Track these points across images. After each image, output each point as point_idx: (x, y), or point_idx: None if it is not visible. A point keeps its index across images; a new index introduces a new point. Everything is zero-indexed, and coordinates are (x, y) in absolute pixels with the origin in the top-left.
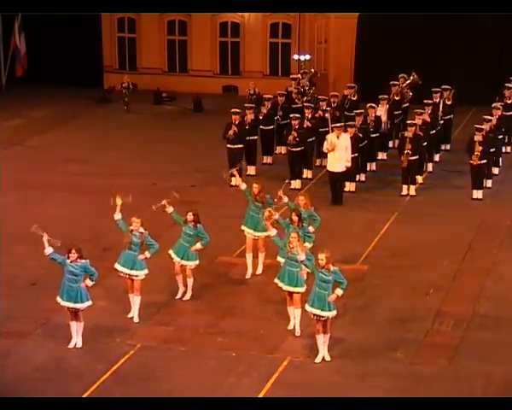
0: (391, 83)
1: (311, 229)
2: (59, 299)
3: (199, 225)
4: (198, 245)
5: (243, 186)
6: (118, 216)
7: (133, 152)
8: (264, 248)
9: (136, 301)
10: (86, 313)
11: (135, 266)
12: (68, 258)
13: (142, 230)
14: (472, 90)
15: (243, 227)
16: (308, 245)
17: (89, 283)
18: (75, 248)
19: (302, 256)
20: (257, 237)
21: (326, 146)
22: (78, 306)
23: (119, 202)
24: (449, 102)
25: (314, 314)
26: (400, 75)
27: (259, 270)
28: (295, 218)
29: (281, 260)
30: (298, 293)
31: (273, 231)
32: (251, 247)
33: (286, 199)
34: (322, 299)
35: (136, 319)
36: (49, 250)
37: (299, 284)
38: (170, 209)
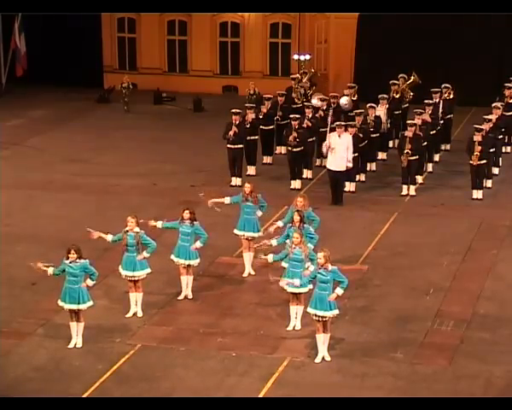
0: (391, 82)
1: (311, 229)
2: (61, 303)
3: (195, 223)
4: (198, 244)
5: (227, 200)
6: (109, 238)
7: (133, 152)
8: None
9: (138, 297)
10: (86, 312)
11: (136, 268)
12: (67, 258)
13: (137, 229)
14: (472, 90)
15: (239, 232)
16: (311, 246)
17: (89, 282)
18: (74, 249)
19: (283, 283)
20: (253, 237)
21: (324, 149)
22: (80, 307)
23: (96, 235)
24: (451, 97)
25: (317, 315)
26: (400, 75)
27: (247, 272)
28: (297, 218)
29: (285, 264)
30: (302, 293)
31: (270, 257)
32: (247, 246)
33: (280, 223)
34: (323, 300)
35: (140, 314)
36: (50, 271)
37: (304, 284)
38: (159, 224)
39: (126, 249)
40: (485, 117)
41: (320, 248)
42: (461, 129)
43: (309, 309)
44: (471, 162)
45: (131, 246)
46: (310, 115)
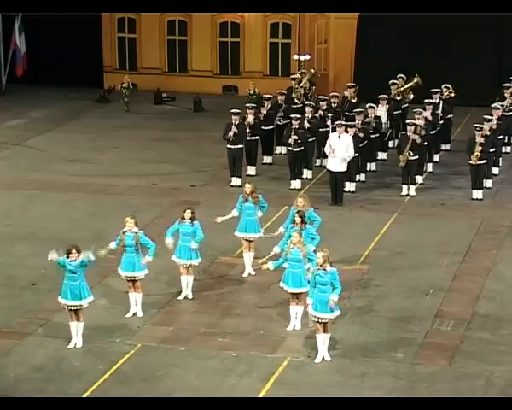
0: (390, 82)
1: (312, 230)
2: (63, 300)
3: (195, 222)
4: (193, 244)
5: (235, 213)
6: (111, 245)
7: (133, 152)
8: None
9: (138, 297)
10: (86, 312)
11: (136, 268)
12: (68, 258)
13: (136, 230)
14: (472, 90)
15: (241, 234)
16: (312, 247)
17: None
18: (75, 248)
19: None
20: (254, 238)
21: (327, 149)
22: (82, 302)
23: (103, 252)
24: (451, 97)
25: (317, 317)
26: (399, 75)
27: (247, 272)
28: (298, 219)
29: (285, 265)
30: (302, 293)
31: (270, 265)
32: (248, 247)
33: (282, 229)
34: (323, 302)
35: (140, 314)
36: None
37: (303, 284)
38: (167, 240)
39: (125, 250)
40: (486, 117)
41: (320, 249)
42: (461, 129)
43: (310, 311)
44: (471, 162)
45: (130, 246)
46: (310, 116)
